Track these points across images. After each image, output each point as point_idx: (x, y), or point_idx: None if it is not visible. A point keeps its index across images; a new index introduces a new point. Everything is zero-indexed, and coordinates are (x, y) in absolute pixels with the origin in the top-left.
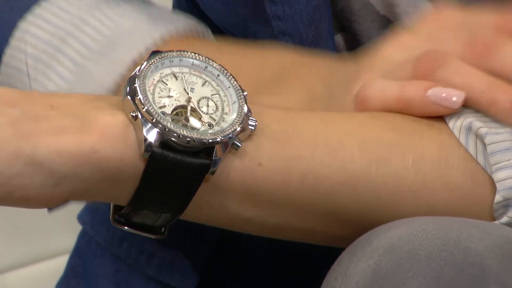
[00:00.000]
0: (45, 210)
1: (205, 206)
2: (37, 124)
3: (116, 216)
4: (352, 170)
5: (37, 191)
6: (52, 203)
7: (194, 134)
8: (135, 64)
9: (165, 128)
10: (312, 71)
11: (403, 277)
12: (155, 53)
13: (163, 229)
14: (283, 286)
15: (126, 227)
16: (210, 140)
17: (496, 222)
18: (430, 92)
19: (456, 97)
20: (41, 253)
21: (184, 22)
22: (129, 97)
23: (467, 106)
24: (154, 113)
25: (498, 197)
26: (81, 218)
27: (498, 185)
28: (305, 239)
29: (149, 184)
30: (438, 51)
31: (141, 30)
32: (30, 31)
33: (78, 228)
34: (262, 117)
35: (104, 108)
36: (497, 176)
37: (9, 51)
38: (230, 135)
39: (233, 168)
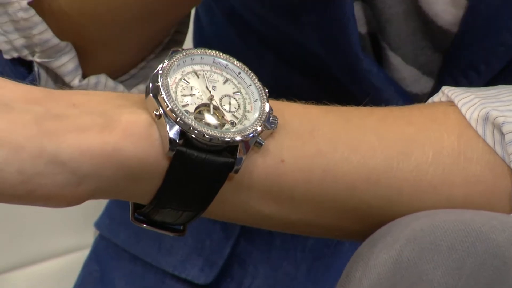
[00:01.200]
0: (48, 209)
1: (228, 204)
2: (59, 122)
3: (135, 214)
4: (373, 166)
5: (59, 190)
6: (74, 202)
7: (217, 133)
8: None
9: (190, 127)
10: None
11: (425, 267)
12: (175, 51)
13: (182, 227)
14: (301, 280)
15: (145, 225)
16: (233, 139)
17: None
18: None
19: None
20: (44, 252)
21: None
22: (152, 95)
23: None
24: (178, 111)
25: None
26: (98, 224)
27: None
28: (324, 235)
29: (172, 183)
30: None
31: None
32: None
33: (82, 228)
34: (283, 114)
35: (126, 106)
36: None
37: None
38: (251, 134)
39: (256, 166)
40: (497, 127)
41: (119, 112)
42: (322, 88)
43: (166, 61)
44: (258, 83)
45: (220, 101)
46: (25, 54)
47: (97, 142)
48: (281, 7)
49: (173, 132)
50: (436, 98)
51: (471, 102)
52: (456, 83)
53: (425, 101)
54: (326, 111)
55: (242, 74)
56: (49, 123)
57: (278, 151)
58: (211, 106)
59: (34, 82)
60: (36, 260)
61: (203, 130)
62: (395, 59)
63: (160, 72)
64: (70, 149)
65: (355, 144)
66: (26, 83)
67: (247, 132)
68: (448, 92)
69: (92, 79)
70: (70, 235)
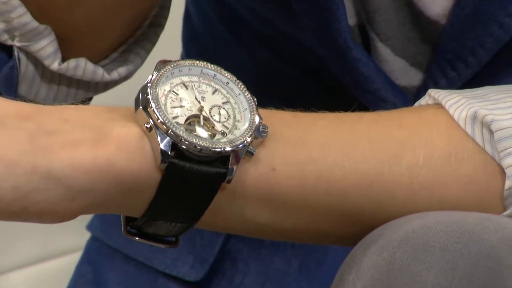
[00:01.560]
0: None
1: (221, 214)
2: (52, 138)
3: (128, 227)
4: (365, 170)
5: (53, 206)
6: (67, 217)
7: (208, 143)
8: None
9: (181, 139)
10: None
11: (418, 269)
12: (163, 63)
13: (174, 238)
14: (293, 276)
15: (137, 238)
16: (224, 149)
17: (507, 212)
18: None
19: None
20: (42, 254)
21: None
22: (141, 108)
23: None
24: (169, 124)
25: (508, 183)
26: (90, 227)
27: (507, 171)
28: (319, 241)
29: (165, 195)
30: None
31: None
32: None
33: (80, 229)
34: (273, 122)
35: (117, 120)
36: (505, 162)
37: None
38: (241, 145)
39: (248, 175)
40: (486, 126)
41: (111, 125)
42: (316, 84)
43: (155, 73)
44: (247, 92)
45: (210, 112)
46: (5, 39)
47: (89, 157)
48: None
49: (164, 144)
50: (423, 101)
51: (458, 103)
52: (445, 75)
53: (414, 94)
54: (315, 118)
55: (231, 84)
56: (41, 139)
57: (269, 159)
58: (201, 117)
59: (15, 67)
60: (33, 261)
61: (194, 141)
62: (384, 50)
63: (149, 84)
64: (62, 164)
65: (347, 149)
66: (17, 99)
67: (237, 143)
68: (434, 94)
69: (72, 62)
70: (69, 236)
